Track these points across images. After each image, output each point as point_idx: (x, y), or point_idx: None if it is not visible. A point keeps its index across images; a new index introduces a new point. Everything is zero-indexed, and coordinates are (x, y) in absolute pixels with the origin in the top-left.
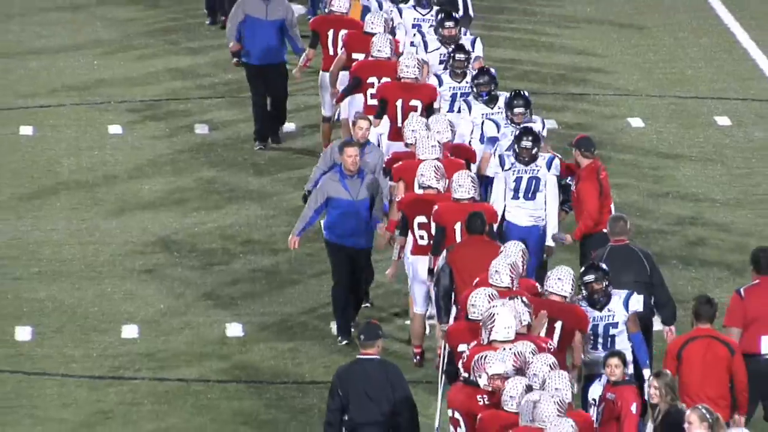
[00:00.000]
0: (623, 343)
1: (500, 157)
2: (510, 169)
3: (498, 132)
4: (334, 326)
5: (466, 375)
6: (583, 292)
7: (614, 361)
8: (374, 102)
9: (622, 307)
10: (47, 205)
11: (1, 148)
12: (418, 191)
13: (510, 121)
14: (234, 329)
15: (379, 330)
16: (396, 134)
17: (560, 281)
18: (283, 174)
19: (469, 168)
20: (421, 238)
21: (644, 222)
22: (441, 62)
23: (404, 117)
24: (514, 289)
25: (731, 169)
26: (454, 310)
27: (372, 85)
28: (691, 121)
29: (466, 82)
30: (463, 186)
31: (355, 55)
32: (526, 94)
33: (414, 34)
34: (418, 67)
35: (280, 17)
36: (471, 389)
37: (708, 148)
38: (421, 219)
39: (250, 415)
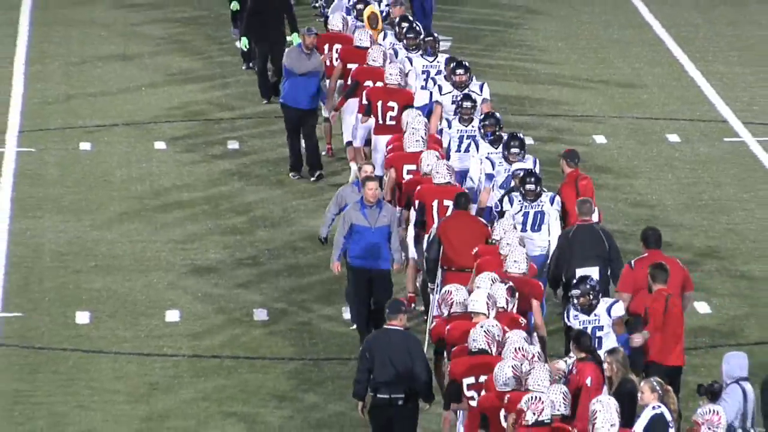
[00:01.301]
0: (612, 344)
1: (509, 197)
2: (519, 208)
3: (493, 169)
4: (344, 312)
5: (436, 348)
6: (573, 300)
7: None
8: (366, 102)
9: (605, 312)
10: (102, 209)
11: (64, 161)
12: (406, 176)
13: (505, 159)
14: (260, 314)
15: (402, 306)
16: (379, 129)
17: (516, 263)
18: (304, 184)
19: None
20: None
21: (606, 222)
22: (453, 102)
23: (383, 115)
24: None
25: (680, 179)
26: (439, 273)
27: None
28: (646, 138)
29: (472, 127)
30: (440, 173)
31: (350, 66)
32: (522, 135)
33: (425, 79)
34: (400, 75)
35: (317, 69)
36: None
37: (660, 162)
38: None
39: (273, 386)
